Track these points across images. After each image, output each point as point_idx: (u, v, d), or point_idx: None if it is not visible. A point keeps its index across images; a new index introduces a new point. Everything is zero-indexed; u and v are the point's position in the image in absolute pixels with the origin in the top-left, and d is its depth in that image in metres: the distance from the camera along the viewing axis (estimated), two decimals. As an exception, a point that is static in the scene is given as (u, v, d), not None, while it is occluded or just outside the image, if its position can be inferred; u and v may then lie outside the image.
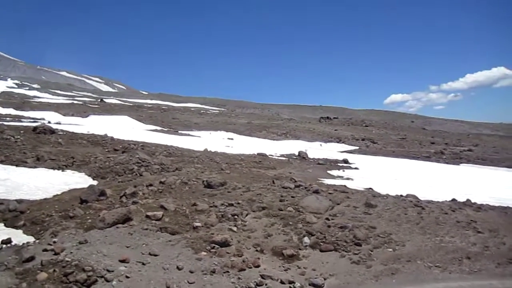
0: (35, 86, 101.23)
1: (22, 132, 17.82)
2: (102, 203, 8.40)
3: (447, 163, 22.18)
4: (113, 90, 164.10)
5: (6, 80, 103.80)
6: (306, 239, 7.24)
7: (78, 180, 11.70)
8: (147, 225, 7.31)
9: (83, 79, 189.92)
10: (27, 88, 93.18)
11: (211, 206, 8.30)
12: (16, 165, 12.54)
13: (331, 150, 26.41)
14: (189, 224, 7.51)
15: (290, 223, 7.81)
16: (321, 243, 7.13)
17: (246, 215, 8.10)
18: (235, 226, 7.54)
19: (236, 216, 7.88)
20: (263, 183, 11.21)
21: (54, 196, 9.93)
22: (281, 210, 8.37)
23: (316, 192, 9.72)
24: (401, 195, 10.38)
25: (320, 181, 13.28)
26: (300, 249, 7.02)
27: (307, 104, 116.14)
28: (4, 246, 6.68)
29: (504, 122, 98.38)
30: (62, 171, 12.50)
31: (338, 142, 31.66)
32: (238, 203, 8.57)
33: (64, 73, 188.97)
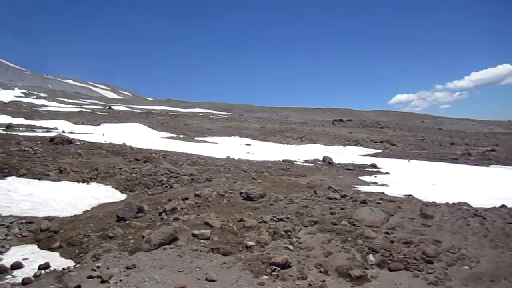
0: (42, 94, 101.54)
1: (39, 143, 17.35)
2: (142, 221, 7.81)
3: (476, 164, 21.42)
4: (120, 97, 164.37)
5: (13, 89, 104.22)
6: (371, 257, 6.58)
7: (106, 193, 11.15)
8: (196, 245, 6.69)
9: (89, 86, 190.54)
10: (34, 97, 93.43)
11: (260, 222, 7.67)
12: (39, 179, 12.03)
13: (352, 154, 25.74)
14: (240, 243, 6.87)
15: (349, 238, 7.16)
16: (389, 261, 6.47)
17: (299, 230, 7.46)
18: (290, 244, 6.90)
19: (289, 233, 7.24)
20: (302, 193, 10.61)
21: (85, 212, 9.38)
22: (335, 224, 7.73)
23: (364, 202, 9.09)
24: (454, 203, 9.69)
25: (355, 188, 12.65)
26: (366, 269, 6.35)
27: (315, 107, 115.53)
28: (42, 272, 6.11)
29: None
30: (87, 184, 11.97)
31: (356, 145, 30.98)
32: (288, 218, 7.93)
33: (70, 81, 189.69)
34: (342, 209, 8.56)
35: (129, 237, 7.07)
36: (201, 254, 6.42)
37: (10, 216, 8.73)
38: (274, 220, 7.78)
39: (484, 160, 22.88)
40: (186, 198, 9.41)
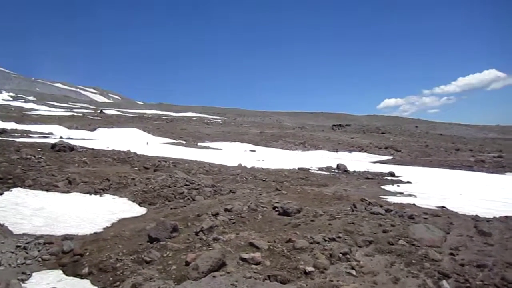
0: (30, 98, 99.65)
1: (40, 150, 16.39)
2: (178, 242, 7.00)
3: (491, 172, 20.98)
4: (109, 101, 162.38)
5: (1, 92, 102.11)
6: (445, 284, 5.86)
7: (123, 207, 10.30)
8: (248, 271, 5.90)
9: (78, 90, 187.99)
10: (23, 100, 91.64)
11: (311, 243, 6.92)
12: (47, 190, 11.16)
13: (362, 161, 25.12)
14: (296, 268, 6.10)
15: (413, 261, 6.44)
16: (466, 289, 5.76)
17: (356, 252, 6.72)
18: (352, 268, 6.15)
19: (347, 255, 6.50)
20: (335, 206, 9.91)
21: (106, 229, 8.55)
22: (392, 244, 7.02)
23: (411, 217, 8.43)
24: (505, 217, 9.06)
25: (384, 200, 12.00)
26: (443, 298, 5.65)
27: (308, 111, 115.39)
28: (75, 306, 5.30)
29: (500, 125, 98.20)
30: (100, 196, 11.11)
31: (360, 151, 30.39)
32: (339, 237, 7.20)
33: (58, 84, 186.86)
34: (392, 225, 7.85)
35: (169, 262, 6.27)
36: (256, 282, 5.62)
37: (24, 234, 7.90)
38: (326, 240, 7.04)
39: (499, 167, 22.48)
40: (217, 214, 8.64)
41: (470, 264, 6.41)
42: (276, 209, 8.95)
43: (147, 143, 26.05)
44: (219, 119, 76.78)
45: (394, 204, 10.75)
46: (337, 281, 5.75)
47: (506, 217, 9.19)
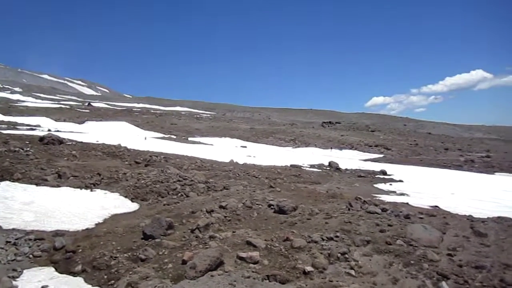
0: (17, 89, 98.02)
1: (28, 142, 16.02)
2: (174, 239, 6.87)
3: (481, 172, 21.19)
4: (97, 94, 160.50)
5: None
6: (444, 285, 5.83)
7: (115, 202, 10.10)
8: (246, 271, 5.80)
9: (65, 82, 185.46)
10: (9, 91, 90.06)
11: (309, 242, 6.84)
12: (36, 184, 10.90)
13: (353, 159, 25.17)
14: (295, 267, 6.01)
15: (412, 262, 6.40)
16: (467, 291, 5.74)
17: (354, 252, 6.65)
18: (351, 268, 6.09)
19: (346, 255, 6.43)
20: (330, 204, 9.86)
21: (98, 225, 8.37)
22: (390, 244, 6.97)
23: (407, 217, 8.43)
24: (498, 218, 9.10)
25: (377, 198, 12.05)
26: (443, 299, 5.61)
27: (296, 108, 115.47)
28: (68, 305, 5.14)
29: (486, 124, 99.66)
30: (91, 190, 10.89)
31: (351, 149, 30.48)
32: (337, 236, 7.13)
33: (45, 76, 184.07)
34: (389, 225, 7.82)
35: (165, 260, 6.13)
36: (255, 282, 5.52)
37: (14, 229, 7.66)
38: (324, 240, 6.97)
39: (488, 167, 22.69)
40: (212, 211, 8.52)
41: (468, 265, 6.40)
42: (272, 206, 8.86)
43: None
44: (209, 114, 76.42)
45: (388, 203, 10.73)
46: (337, 281, 5.68)
47: (500, 217, 9.23)
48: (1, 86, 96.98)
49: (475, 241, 7.38)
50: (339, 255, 6.44)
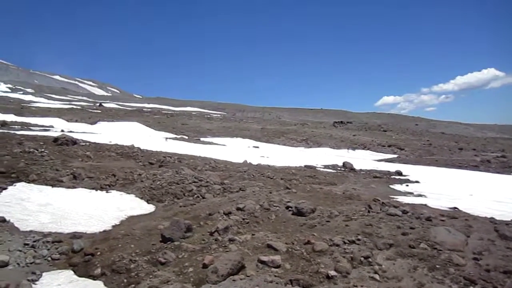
0: (29, 90, 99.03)
1: (42, 143, 16.06)
2: (193, 242, 6.78)
3: (498, 172, 20.79)
4: (108, 94, 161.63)
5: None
6: (472, 291, 5.66)
7: (131, 204, 10.05)
8: (269, 275, 5.68)
9: (76, 82, 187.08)
10: (21, 92, 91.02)
11: (330, 245, 6.70)
12: (52, 185, 10.88)
13: (366, 159, 24.92)
14: (318, 272, 5.88)
15: (437, 266, 6.23)
16: (496, 297, 5.56)
17: (377, 255, 6.50)
18: (375, 273, 5.94)
19: (369, 259, 6.28)
20: (347, 205, 9.68)
21: (115, 227, 8.30)
22: (413, 248, 6.81)
23: (429, 219, 8.24)
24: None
25: (395, 199, 11.78)
26: (471, 305, 5.44)
27: (307, 107, 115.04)
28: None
29: (498, 124, 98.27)
30: (106, 192, 10.86)
31: (364, 149, 30.17)
32: (359, 240, 6.98)
33: (57, 77, 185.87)
34: (411, 228, 7.64)
35: (186, 264, 6.04)
36: (278, 287, 5.39)
37: (31, 231, 7.63)
38: (345, 243, 6.82)
39: (505, 168, 22.30)
40: (230, 213, 8.41)
41: (496, 270, 6.20)
42: (290, 208, 8.73)
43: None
44: (219, 114, 76.49)
45: (406, 204, 10.54)
46: (361, 286, 5.54)
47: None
48: (14, 87, 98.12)
49: (501, 245, 7.17)
50: (362, 259, 6.30)
